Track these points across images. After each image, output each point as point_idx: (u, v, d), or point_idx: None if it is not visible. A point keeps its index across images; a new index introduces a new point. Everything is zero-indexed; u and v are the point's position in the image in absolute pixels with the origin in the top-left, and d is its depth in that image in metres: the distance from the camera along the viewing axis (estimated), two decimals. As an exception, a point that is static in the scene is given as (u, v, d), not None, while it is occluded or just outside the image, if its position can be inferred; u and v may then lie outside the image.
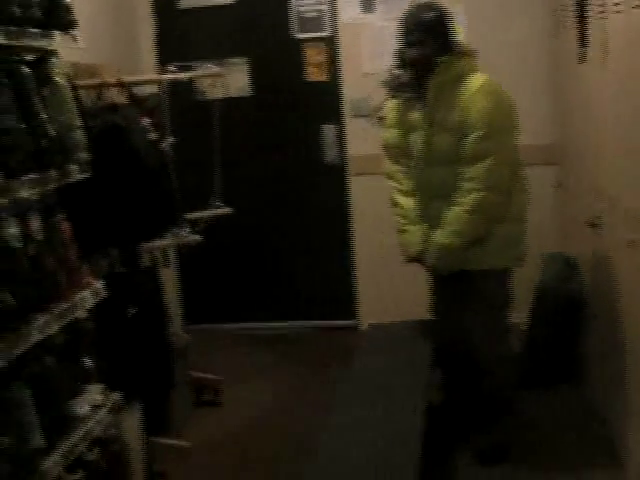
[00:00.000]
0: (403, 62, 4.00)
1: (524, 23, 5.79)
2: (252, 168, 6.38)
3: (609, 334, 4.00)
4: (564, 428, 4.32)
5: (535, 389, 4.71)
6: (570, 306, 4.73)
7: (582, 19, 4.12)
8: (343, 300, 6.32)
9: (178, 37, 6.31)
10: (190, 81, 5.62)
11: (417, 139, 4.03)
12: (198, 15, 6.26)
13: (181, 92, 5.69)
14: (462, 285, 4.11)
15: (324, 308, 6.39)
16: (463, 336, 4.14)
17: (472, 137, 3.82)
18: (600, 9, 3.80)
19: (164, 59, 5.88)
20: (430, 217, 4.07)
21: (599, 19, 3.85)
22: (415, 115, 4.03)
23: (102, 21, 5.44)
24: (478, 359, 4.13)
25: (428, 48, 3.90)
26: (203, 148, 5.15)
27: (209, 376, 5.03)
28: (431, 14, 3.94)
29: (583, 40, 4.15)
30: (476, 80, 3.88)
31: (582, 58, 4.24)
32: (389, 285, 5.95)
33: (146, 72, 5.90)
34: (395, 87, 4.11)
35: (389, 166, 4.27)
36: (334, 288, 6.37)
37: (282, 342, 6.15)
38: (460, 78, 3.89)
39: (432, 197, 4.05)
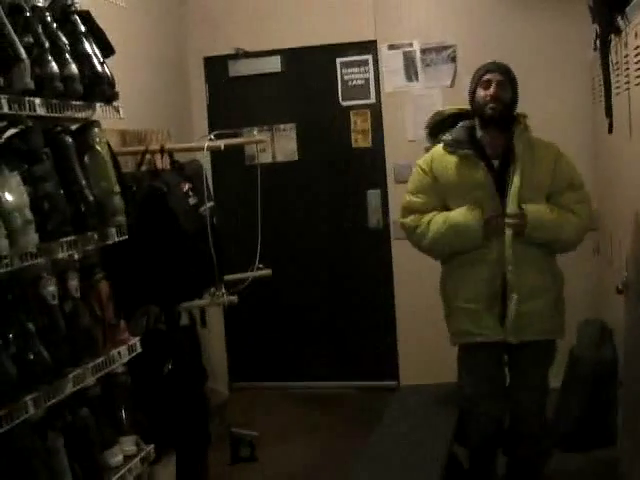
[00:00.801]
0: (472, 105, 4.04)
1: (568, 92, 5.95)
2: (298, 231, 6.56)
3: (635, 400, 4.03)
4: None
5: (569, 453, 4.75)
6: (603, 372, 4.77)
7: (608, 91, 4.23)
8: (385, 361, 6.40)
9: (229, 104, 6.54)
10: (240, 146, 5.87)
11: (482, 201, 4.00)
12: (248, 82, 6.50)
13: (231, 157, 5.95)
14: (524, 354, 4.14)
15: (367, 369, 6.48)
16: (504, 402, 4.21)
17: (570, 193, 4.05)
18: (625, 80, 3.92)
19: (216, 125, 6.10)
20: (524, 286, 3.98)
21: (624, 91, 3.97)
22: (479, 174, 4.00)
23: (156, 89, 5.71)
24: (523, 424, 4.19)
25: (507, 93, 4.00)
26: (250, 211, 5.31)
27: (246, 432, 5.14)
28: (511, 71, 4.08)
29: (609, 111, 4.25)
30: (548, 142, 4.13)
31: (610, 129, 4.34)
32: (430, 346, 6.01)
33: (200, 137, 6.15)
34: (451, 144, 4.07)
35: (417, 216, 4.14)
36: (377, 349, 6.47)
37: (323, 401, 6.24)
38: (531, 138, 4.07)
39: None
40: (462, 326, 4.12)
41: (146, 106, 5.25)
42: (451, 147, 4.08)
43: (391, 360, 6.37)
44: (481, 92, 4.00)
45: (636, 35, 3.59)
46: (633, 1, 3.58)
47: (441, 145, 4.14)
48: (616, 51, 4.16)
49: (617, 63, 4.14)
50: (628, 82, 3.85)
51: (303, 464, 5.07)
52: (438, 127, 4.24)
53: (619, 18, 3.88)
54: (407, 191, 4.26)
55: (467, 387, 4.21)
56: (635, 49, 3.61)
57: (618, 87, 4.14)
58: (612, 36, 4.12)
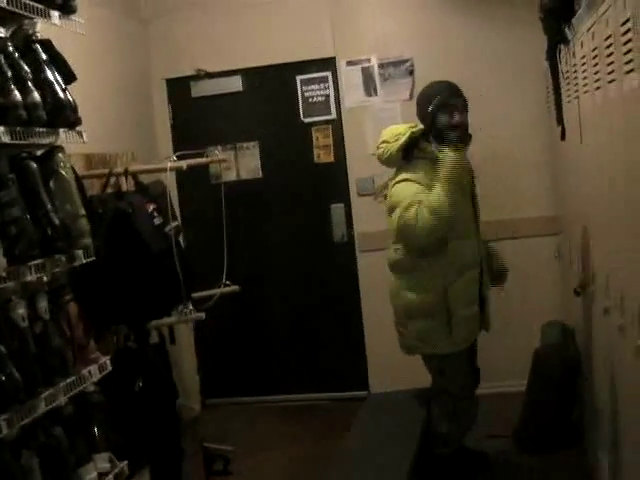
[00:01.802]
0: (432, 127, 4.19)
1: (524, 100, 6.04)
2: (264, 247, 6.65)
3: (596, 398, 4.13)
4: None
5: (536, 454, 4.85)
6: (566, 372, 4.88)
7: (558, 99, 4.36)
8: (356, 371, 6.48)
9: (193, 124, 6.62)
10: (204, 166, 5.94)
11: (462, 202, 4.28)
12: (210, 103, 6.59)
13: (197, 176, 6.02)
14: None
15: (338, 380, 6.56)
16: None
17: None
18: (575, 88, 4.04)
19: (180, 145, 6.15)
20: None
21: (574, 99, 4.09)
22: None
23: (120, 112, 5.79)
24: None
25: (466, 117, 4.26)
26: (216, 228, 5.36)
27: (219, 446, 5.20)
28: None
29: (560, 119, 4.37)
30: None
31: (562, 136, 4.45)
32: (397, 355, 6.05)
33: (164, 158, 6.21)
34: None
35: None
36: (346, 360, 6.54)
37: (296, 414, 6.30)
38: None
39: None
40: (464, 333, 4.33)
41: (111, 129, 5.32)
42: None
43: (361, 370, 6.45)
44: (444, 118, 4.15)
45: (582, 45, 3.70)
46: (578, 12, 3.70)
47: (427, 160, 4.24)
48: (566, 61, 4.28)
49: (567, 72, 4.27)
50: (577, 90, 3.97)
51: (277, 476, 5.14)
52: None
53: (566, 29, 4.00)
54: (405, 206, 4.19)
55: (459, 382, 4.44)
56: (582, 58, 3.72)
57: (569, 95, 4.26)
58: (561, 46, 4.24)
